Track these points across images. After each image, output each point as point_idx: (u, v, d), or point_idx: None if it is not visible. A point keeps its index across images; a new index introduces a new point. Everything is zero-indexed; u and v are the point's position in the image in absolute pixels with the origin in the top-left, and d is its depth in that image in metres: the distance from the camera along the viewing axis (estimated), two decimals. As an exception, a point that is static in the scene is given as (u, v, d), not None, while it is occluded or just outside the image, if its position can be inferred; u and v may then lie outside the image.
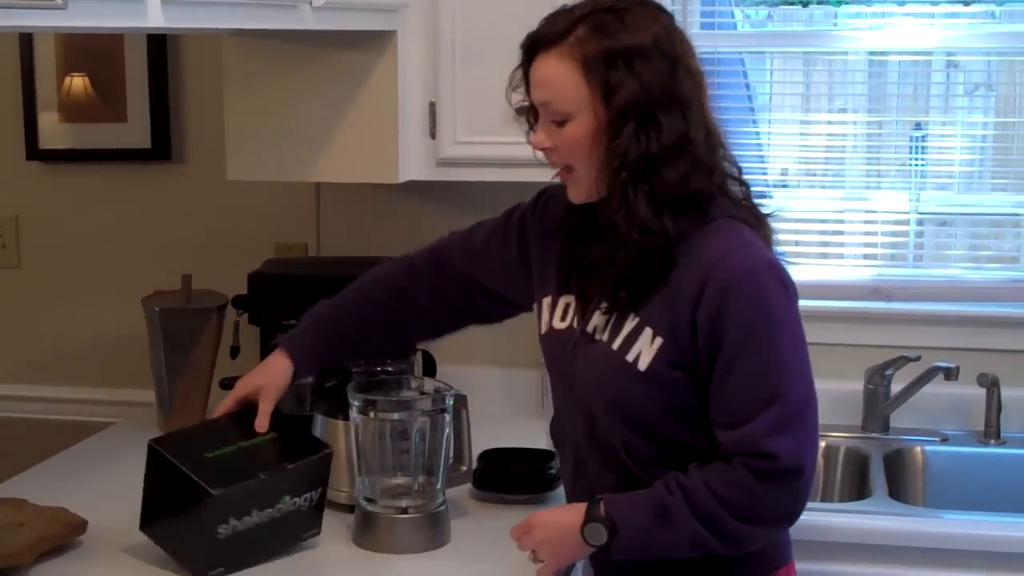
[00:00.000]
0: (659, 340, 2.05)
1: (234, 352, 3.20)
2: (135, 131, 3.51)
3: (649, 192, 2.01)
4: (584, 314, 2.17)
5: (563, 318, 2.23)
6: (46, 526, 2.32)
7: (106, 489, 2.73)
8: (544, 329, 2.28)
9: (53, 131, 3.56)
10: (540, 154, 2.16)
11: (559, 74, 2.03)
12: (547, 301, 2.28)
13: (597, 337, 2.14)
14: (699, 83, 2.07)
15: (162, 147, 3.52)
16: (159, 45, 3.47)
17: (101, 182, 3.58)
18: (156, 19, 1.85)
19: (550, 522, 2.13)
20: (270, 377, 2.46)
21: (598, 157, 2.04)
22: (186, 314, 3.10)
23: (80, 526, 2.38)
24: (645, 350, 2.06)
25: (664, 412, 2.09)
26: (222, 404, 2.46)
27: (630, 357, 2.07)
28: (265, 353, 2.59)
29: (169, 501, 2.26)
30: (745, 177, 2.16)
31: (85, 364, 3.61)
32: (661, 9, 2.10)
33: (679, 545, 2.03)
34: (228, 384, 3.06)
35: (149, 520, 2.30)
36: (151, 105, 3.50)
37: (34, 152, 3.58)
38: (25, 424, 3.56)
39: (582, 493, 2.18)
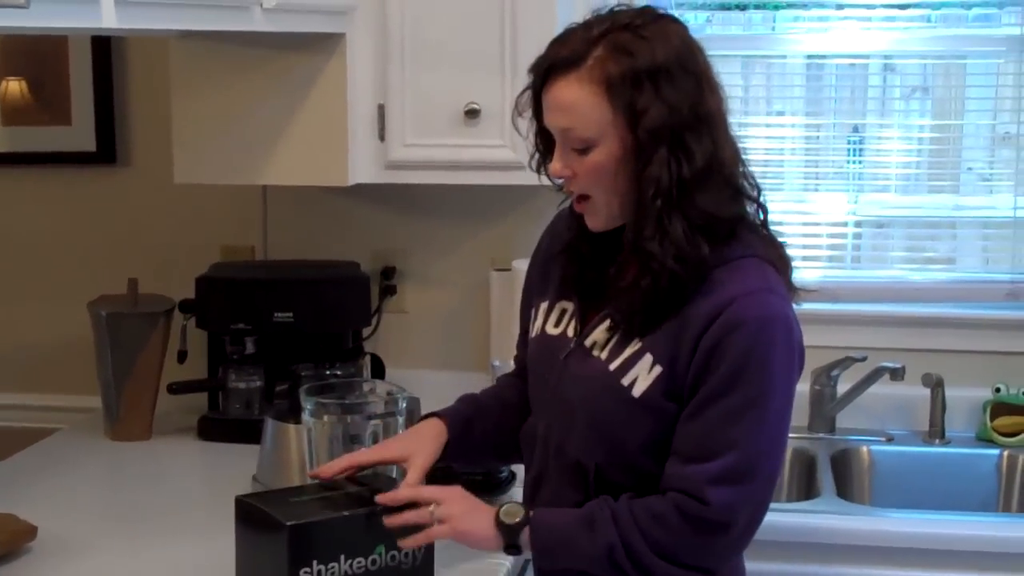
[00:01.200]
0: (658, 368, 1.98)
1: (181, 357, 3.18)
2: (80, 134, 3.49)
3: (683, 218, 1.92)
4: (584, 326, 2.10)
5: (557, 324, 2.16)
6: (-5, 532, 2.31)
7: (54, 495, 2.71)
8: (535, 332, 2.21)
9: (-5, 134, 3.53)
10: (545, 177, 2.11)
11: (581, 99, 1.92)
12: (544, 306, 2.20)
13: (595, 353, 2.05)
14: (721, 97, 1.99)
15: (107, 150, 3.49)
16: (104, 48, 3.45)
17: (45, 186, 3.55)
18: (110, 20, 1.83)
19: (467, 492, 2.08)
20: (421, 443, 2.21)
21: (623, 183, 1.95)
22: (133, 318, 3.08)
23: (30, 532, 2.35)
24: (642, 376, 1.99)
25: (646, 441, 2.01)
26: (364, 457, 2.21)
27: (626, 381, 2.00)
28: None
29: (253, 551, 2.09)
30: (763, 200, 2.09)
31: (29, 369, 3.57)
32: (675, 20, 2.01)
33: (594, 558, 1.97)
34: (176, 389, 3.06)
35: None
36: (96, 108, 3.47)
37: (-25, 155, 3.55)
38: (-31, 430, 3.52)
39: (540, 503, 2.13)
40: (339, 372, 3.06)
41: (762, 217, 2.07)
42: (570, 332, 2.12)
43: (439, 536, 2.05)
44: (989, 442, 3.16)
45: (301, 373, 3.04)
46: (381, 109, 2.94)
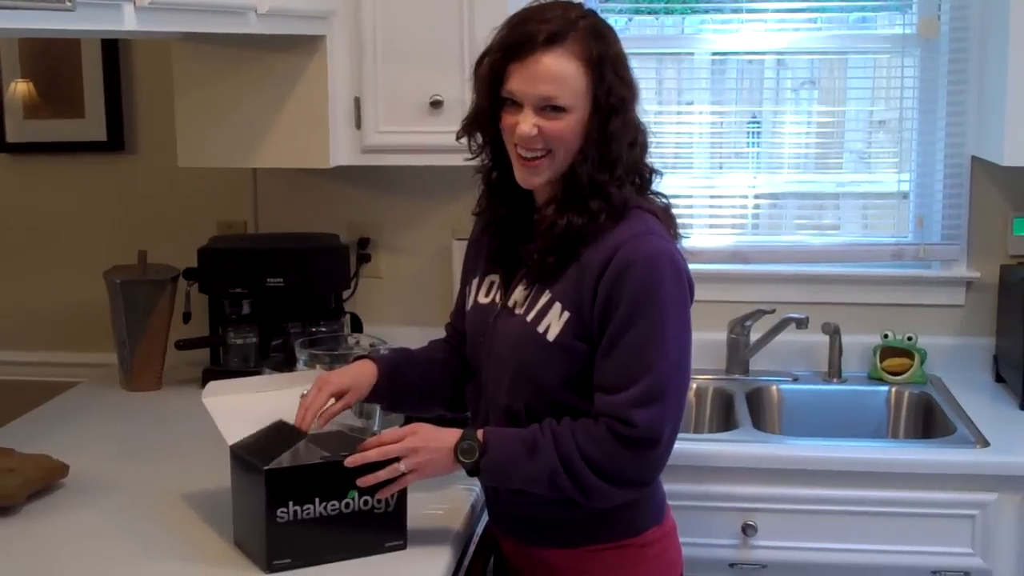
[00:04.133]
0: (567, 314, 2.01)
1: (186, 317, 3.18)
2: (92, 126, 3.46)
3: (620, 176, 2.02)
4: (507, 290, 2.13)
5: (487, 294, 2.19)
6: (33, 470, 2.31)
7: (81, 437, 2.71)
8: (470, 305, 2.23)
9: (19, 127, 3.49)
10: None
11: (569, 71, 1.98)
12: (475, 282, 2.23)
13: (516, 311, 2.09)
14: (635, 85, 2.08)
15: (117, 139, 3.46)
16: (112, 49, 3.42)
17: (64, 171, 3.51)
18: (131, 24, 1.83)
19: (429, 435, 2.03)
20: (355, 380, 2.20)
21: (578, 144, 2.01)
22: (143, 285, 3.07)
23: (62, 469, 2.36)
24: (554, 323, 2.02)
25: (564, 379, 2.04)
26: (314, 397, 2.13)
27: (541, 328, 2.03)
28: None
29: (243, 492, 2.07)
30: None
31: (54, 331, 3.55)
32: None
33: (538, 481, 1.99)
34: (182, 346, 3.06)
35: (238, 523, 2.11)
36: (106, 102, 3.44)
37: (2, 145, 3.51)
38: (2, 385, 3.49)
39: None
40: (324, 329, 3.06)
41: (652, 181, 2.14)
42: (497, 299, 2.16)
43: (409, 483, 2.03)
44: (879, 380, 3.20)
45: (291, 330, 3.05)
46: (357, 101, 2.94)
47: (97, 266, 3.15)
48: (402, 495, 2.06)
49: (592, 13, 2.06)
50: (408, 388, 2.28)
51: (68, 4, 1.43)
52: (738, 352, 3.25)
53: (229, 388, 2.20)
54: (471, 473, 2.04)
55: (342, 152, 2.96)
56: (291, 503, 1.96)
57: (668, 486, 2.68)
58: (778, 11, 3.36)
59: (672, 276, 1.99)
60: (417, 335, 3.22)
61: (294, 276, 3.05)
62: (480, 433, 2.03)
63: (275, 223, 3.43)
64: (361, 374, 2.21)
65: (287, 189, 3.42)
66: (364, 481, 2.00)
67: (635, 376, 1.96)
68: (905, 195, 3.32)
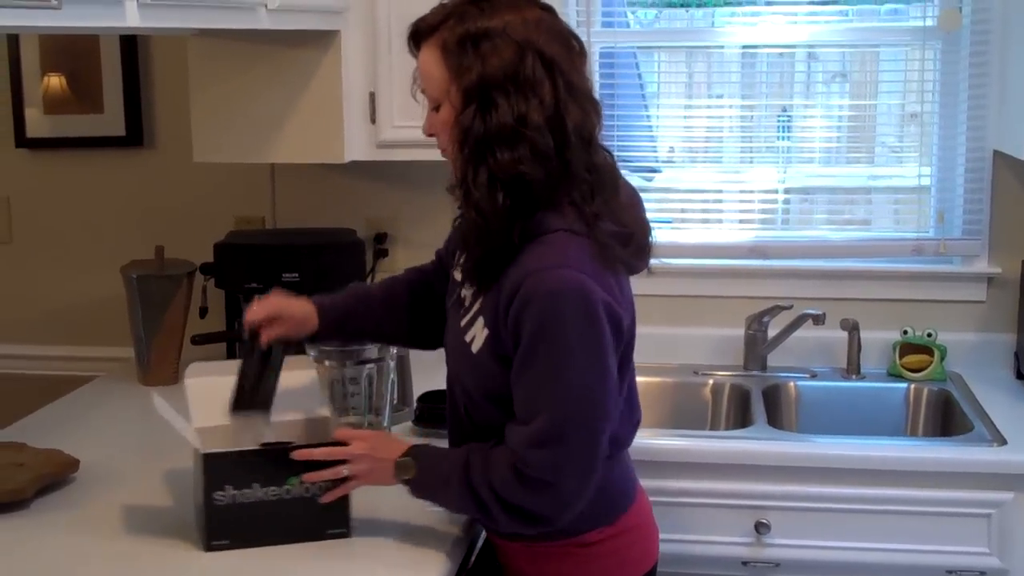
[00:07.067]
0: (486, 331, 1.93)
1: (203, 312, 3.18)
2: (111, 121, 3.47)
3: (488, 172, 1.84)
4: (462, 283, 2.05)
5: (458, 274, 2.10)
6: (43, 465, 2.31)
7: (94, 432, 2.71)
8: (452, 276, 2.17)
9: (39, 122, 3.51)
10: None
11: (428, 63, 1.91)
12: (459, 252, 2.13)
13: (460, 309, 2.03)
14: (558, 72, 1.86)
15: (135, 135, 3.48)
16: (131, 45, 3.43)
17: (82, 166, 3.53)
18: (133, 20, 1.82)
19: (379, 444, 2.04)
20: (288, 313, 2.18)
21: (455, 141, 1.90)
22: (160, 280, 3.07)
23: (73, 464, 2.36)
24: (478, 336, 1.95)
25: (485, 392, 1.98)
26: (252, 310, 2.16)
27: (467, 338, 1.97)
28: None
29: (192, 478, 2.11)
30: (622, 167, 2.02)
31: (71, 325, 3.56)
32: (534, 2, 1.93)
33: (458, 506, 1.99)
34: (198, 340, 3.06)
35: (193, 504, 2.15)
36: (125, 98, 3.45)
37: (22, 140, 3.53)
38: (19, 379, 3.52)
39: (452, 439, 2.15)
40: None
41: (597, 196, 1.92)
42: (456, 293, 2.09)
43: (351, 489, 2.04)
44: (898, 377, 3.17)
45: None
46: (372, 96, 2.93)
47: (115, 261, 3.15)
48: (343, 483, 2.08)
49: (477, 2, 1.89)
50: (360, 333, 2.29)
51: (54, 3, 1.42)
52: (756, 348, 3.22)
53: (212, 370, 2.23)
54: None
55: (357, 147, 2.95)
56: (229, 487, 2.00)
57: (681, 483, 2.68)
58: (808, 3, 3.32)
59: (580, 315, 1.83)
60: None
61: (309, 271, 3.04)
62: (417, 450, 2.02)
63: (293, 218, 3.43)
64: (297, 313, 2.18)
65: (305, 184, 3.41)
66: (309, 478, 2.01)
67: (532, 413, 1.87)
68: (926, 189, 3.28)
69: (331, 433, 2.10)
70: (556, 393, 1.85)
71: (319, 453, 2.01)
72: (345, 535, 2.07)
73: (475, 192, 1.85)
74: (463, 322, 2.01)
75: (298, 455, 2.00)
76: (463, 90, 1.86)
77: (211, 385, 2.16)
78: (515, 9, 1.88)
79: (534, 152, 1.84)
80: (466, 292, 2.03)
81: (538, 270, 1.84)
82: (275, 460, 2.02)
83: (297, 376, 2.23)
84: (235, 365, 2.16)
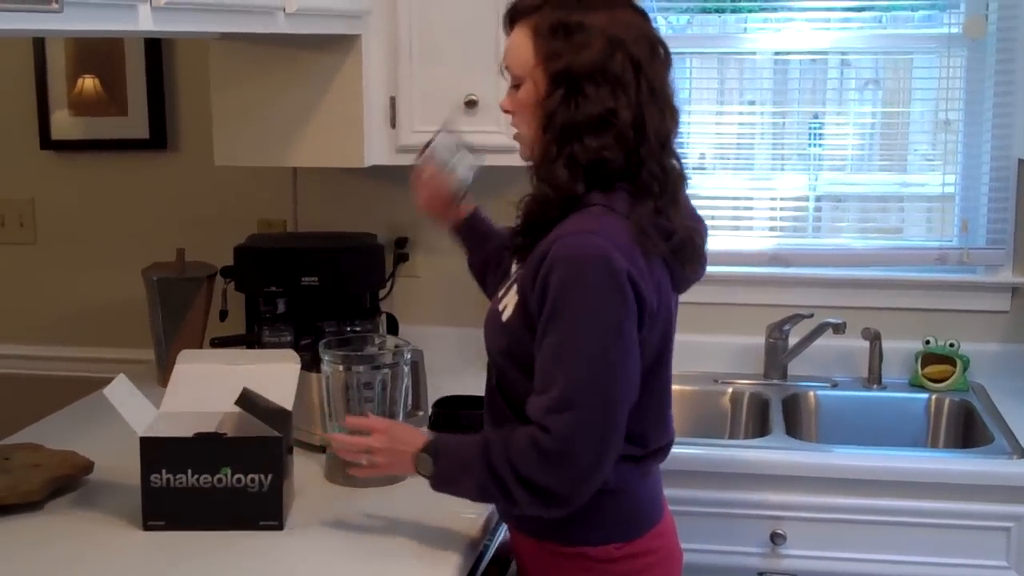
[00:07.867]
0: (516, 298, 1.97)
1: (223, 315, 3.18)
2: (135, 124, 3.48)
3: (570, 156, 1.91)
4: (511, 265, 2.13)
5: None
6: (58, 467, 2.32)
7: (110, 435, 2.67)
8: None
9: (64, 124, 3.53)
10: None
11: (518, 43, 1.97)
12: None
13: (500, 289, 2.10)
14: (643, 74, 1.91)
15: (159, 138, 3.49)
16: (155, 48, 3.44)
17: (106, 168, 3.55)
18: (147, 24, 1.82)
19: (397, 436, 2.07)
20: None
21: (537, 121, 1.96)
22: (180, 283, 3.08)
23: (87, 467, 2.37)
24: (510, 304, 1.98)
25: (514, 361, 2.00)
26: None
27: (500, 307, 2.02)
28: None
29: None
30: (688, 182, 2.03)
31: (92, 327, 3.58)
32: (629, 4, 1.99)
33: (476, 493, 1.98)
34: (218, 343, 3.06)
35: None
36: (149, 101, 3.47)
37: (47, 143, 3.55)
38: (40, 380, 3.54)
39: (486, 417, 2.16)
40: (358, 328, 3.04)
41: (660, 189, 1.95)
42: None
43: (374, 475, 2.14)
44: (920, 387, 3.15)
45: (325, 329, 3.04)
46: (392, 100, 2.94)
47: (137, 263, 3.16)
48: (277, 478, 2.14)
49: None
50: (483, 255, 2.45)
51: (55, 6, 1.42)
52: (776, 356, 3.20)
53: (204, 357, 2.33)
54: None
55: (377, 152, 2.96)
56: (164, 470, 2.12)
57: (696, 492, 2.66)
58: (842, 9, 3.31)
59: (601, 283, 1.85)
60: (453, 335, 3.24)
61: (328, 275, 3.03)
62: (436, 441, 2.02)
63: (315, 222, 3.43)
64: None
65: (328, 188, 3.42)
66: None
67: (550, 380, 1.88)
68: (950, 198, 3.25)
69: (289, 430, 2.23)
70: (572, 358, 1.86)
71: (337, 444, 2.15)
72: (278, 527, 2.15)
73: (558, 172, 1.92)
74: (500, 293, 2.06)
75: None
76: (550, 75, 1.92)
77: (200, 372, 2.29)
78: (610, 7, 1.94)
79: (618, 141, 1.90)
80: (514, 268, 2.08)
81: (564, 235, 1.88)
82: (207, 449, 2.13)
83: (277, 369, 2.31)
84: (226, 354, 2.23)
